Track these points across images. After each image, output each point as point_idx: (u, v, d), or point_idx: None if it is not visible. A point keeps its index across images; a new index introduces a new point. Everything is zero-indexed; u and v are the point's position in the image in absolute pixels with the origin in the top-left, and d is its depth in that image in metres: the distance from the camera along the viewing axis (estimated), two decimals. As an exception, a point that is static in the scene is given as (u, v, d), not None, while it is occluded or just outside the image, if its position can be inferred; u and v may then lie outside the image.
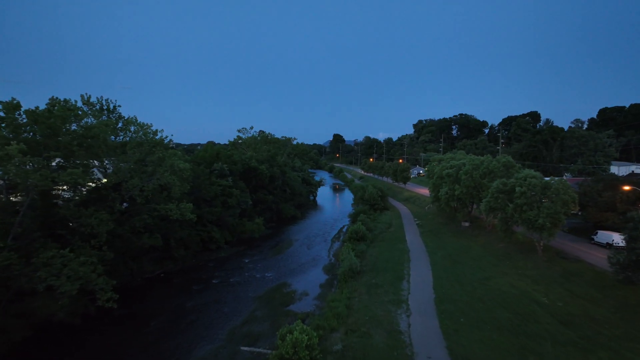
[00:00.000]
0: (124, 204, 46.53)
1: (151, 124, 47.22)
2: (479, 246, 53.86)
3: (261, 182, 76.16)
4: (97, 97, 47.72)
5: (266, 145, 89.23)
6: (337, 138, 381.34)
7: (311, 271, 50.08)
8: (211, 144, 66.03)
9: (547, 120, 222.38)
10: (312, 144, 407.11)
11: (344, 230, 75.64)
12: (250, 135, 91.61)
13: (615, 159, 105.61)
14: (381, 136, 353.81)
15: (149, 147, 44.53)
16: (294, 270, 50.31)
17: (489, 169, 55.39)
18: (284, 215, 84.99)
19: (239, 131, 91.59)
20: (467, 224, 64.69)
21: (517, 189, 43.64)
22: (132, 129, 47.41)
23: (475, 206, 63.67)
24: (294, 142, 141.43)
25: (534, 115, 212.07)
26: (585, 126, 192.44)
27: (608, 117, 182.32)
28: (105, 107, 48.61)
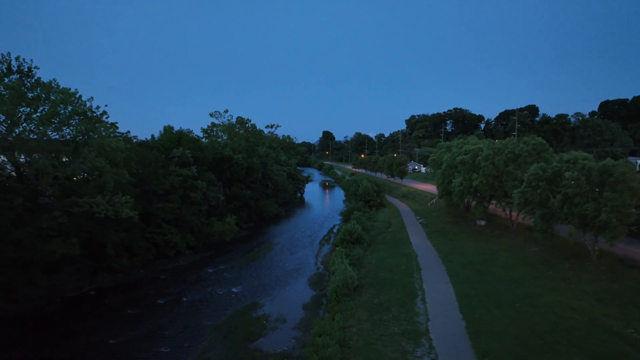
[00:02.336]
0: (45, 198, 34.48)
1: (77, 89, 35.11)
2: (505, 251, 42.92)
3: (236, 175, 64.26)
4: (1, 54, 35.42)
5: (244, 132, 77.14)
6: (327, 135, 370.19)
7: (293, 285, 38.44)
8: (171, 127, 54.39)
9: (544, 115, 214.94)
10: (301, 142, 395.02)
11: (335, 230, 64.23)
12: (225, 119, 79.20)
13: (634, 151, 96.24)
14: (372, 134, 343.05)
15: (67, 118, 32.38)
16: (270, 284, 38.60)
17: (515, 153, 44.49)
18: (264, 213, 73.21)
19: (211, 115, 78.99)
20: (483, 223, 53.78)
21: (567, 174, 32.68)
22: (52, 97, 35.31)
23: (492, 201, 52.82)
24: (279, 135, 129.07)
25: (532, 109, 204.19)
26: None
27: (610, 110, 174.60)
28: (15, 68, 36.22)
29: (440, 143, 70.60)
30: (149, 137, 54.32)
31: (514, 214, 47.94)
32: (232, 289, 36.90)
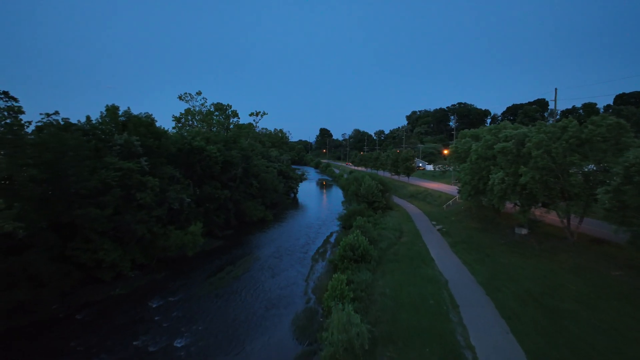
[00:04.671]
0: None
1: None
2: (572, 274, 30.45)
3: (210, 170, 51.54)
4: None
5: (224, 119, 64.20)
6: (324, 132, 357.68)
7: (268, 332, 25.81)
8: (116, 107, 40.65)
9: (552, 111, 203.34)
10: (297, 140, 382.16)
11: (333, 239, 51.77)
12: (197, 103, 65.44)
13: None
14: (371, 132, 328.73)
15: None
16: (235, 329, 25.99)
17: (582, 137, 32.05)
18: (247, 217, 60.54)
19: (180, 99, 64.92)
20: (524, 231, 41.42)
21: None
22: None
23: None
24: (260, 127, 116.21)
25: (542, 103, 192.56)
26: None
27: (626, 104, 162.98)
28: None
29: (463, 131, 58.20)
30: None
31: (571, 220, 35.63)
32: (176, 340, 24.24)
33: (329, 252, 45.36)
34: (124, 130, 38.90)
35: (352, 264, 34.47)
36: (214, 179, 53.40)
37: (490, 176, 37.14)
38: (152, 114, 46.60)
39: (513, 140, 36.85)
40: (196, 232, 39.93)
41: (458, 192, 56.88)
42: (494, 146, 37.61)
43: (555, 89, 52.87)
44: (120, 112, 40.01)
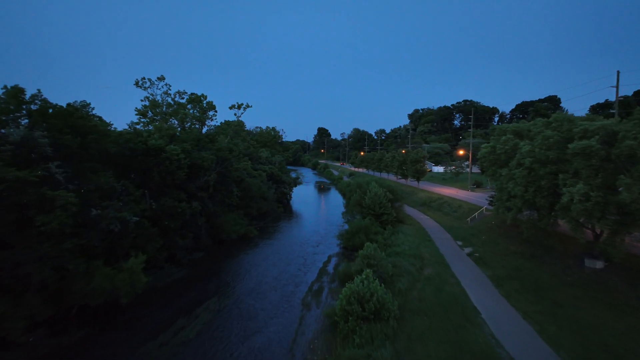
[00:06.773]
0: None
1: None
2: None
3: (171, 177, 39.53)
4: None
5: (196, 110, 51.97)
6: (322, 132, 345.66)
7: None
8: (20, 89, 28.75)
9: (561, 109, 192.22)
10: (295, 139, 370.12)
11: (331, 267, 39.90)
12: (158, 91, 52.59)
13: None
14: (371, 131, 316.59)
15: None
16: None
17: None
18: (225, 234, 48.56)
19: (137, 85, 51.80)
20: (599, 265, 29.60)
21: None
22: None
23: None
24: (254, 127, 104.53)
25: (553, 100, 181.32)
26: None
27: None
28: None
29: (501, 125, 46.24)
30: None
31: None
32: None
33: (326, 289, 33.46)
34: (31, 120, 26.96)
35: (360, 323, 22.71)
36: (177, 188, 41.43)
37: (564, 190, 25.14)
38: (90, 103, 34.46)
39: (597, 137, 24.96)
40: (135, 268, 27.88)
41: (490, 204, 45.10)
42: (569, 145, 25.64)
43: (618, 72, 41.13)
44: (27, 97, 27.90)
